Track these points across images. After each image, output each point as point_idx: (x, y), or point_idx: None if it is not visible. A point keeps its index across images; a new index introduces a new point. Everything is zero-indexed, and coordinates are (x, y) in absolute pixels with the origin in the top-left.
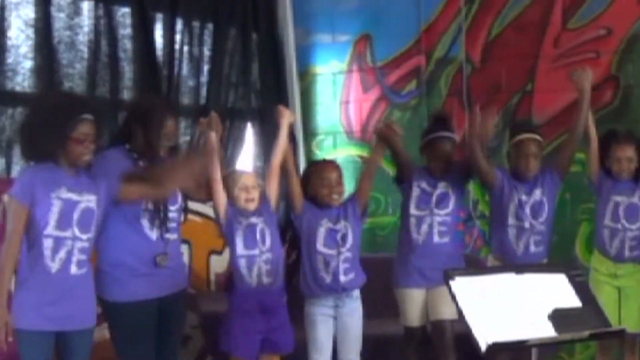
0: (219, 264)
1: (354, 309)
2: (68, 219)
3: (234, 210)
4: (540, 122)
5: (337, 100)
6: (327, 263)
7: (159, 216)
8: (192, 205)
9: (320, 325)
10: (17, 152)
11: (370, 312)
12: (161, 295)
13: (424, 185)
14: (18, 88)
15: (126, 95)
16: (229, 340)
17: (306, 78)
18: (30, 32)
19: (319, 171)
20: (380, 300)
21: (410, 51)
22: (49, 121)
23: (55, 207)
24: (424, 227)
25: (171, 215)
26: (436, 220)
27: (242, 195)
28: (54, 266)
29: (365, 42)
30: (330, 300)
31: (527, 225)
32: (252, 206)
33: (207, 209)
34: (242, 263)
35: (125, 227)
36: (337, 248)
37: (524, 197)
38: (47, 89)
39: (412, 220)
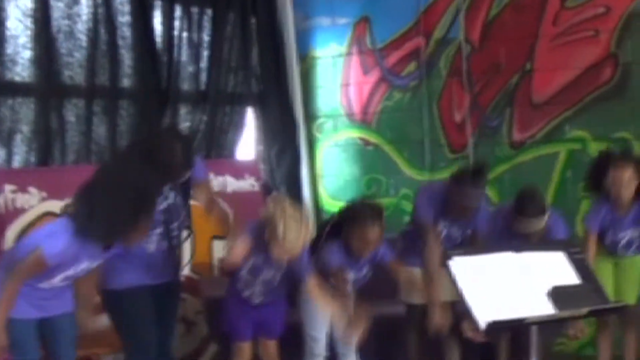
0: (221, 249)
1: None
2: (71, 277)
3: (262, 259)
4: (540, 101)
5: (337, 83)
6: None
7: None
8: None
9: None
10: (17, 142)
11: (372, 292)
12: (155, 283)
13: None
14: (17, 78)
15: (126, 83)
16: (226, 322)
17: (306, 62)
18: (29, 22)
19: (363, 226)
20: (381, 280)
21: (409, 33)
22: (127, 212)
23: (70, 272)
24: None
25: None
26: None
27: (279, 251)
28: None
29: (364, 25)
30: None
31: None
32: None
33: None
34: (241, 284)
35: None
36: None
37: None
38: (47, 78)
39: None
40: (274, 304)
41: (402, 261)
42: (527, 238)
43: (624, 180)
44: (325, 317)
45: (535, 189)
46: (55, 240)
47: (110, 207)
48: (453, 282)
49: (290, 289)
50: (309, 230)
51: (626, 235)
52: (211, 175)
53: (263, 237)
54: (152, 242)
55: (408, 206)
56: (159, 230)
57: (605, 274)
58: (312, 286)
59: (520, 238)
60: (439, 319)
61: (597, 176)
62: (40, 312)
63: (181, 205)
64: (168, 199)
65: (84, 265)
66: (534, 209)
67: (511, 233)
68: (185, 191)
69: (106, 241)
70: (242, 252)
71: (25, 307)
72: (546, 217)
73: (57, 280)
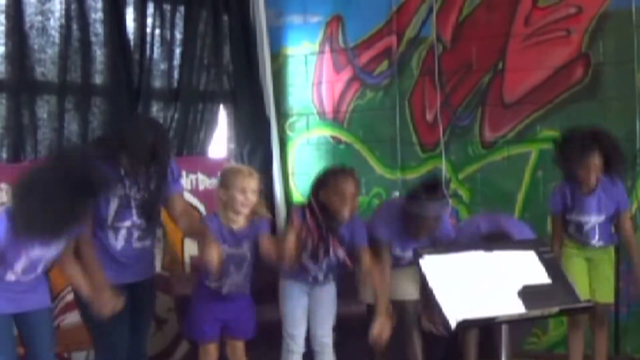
0: (193, 247)
1: (328, 286)
2: (30, 267)
3: (223, 231)
4: (512, 100)
5: (309, 81)
6: (307, 271)
7: (123, 231)
8: None
9: (294, 300)
10: None
11: (345, 291)
12: (130, 282)
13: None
14: None
15: (98, 79)
16: (189, 324)
17: (278, 59)
18: (2, 17)
19: (337, 181)
20: (354, 279)
21: (381, 32)
22: (62, 208)
23: (23, 262)
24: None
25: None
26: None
27: (239, 197)
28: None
29: (336, 23)
30: (305, 282)
31: None
32: (245, 210)
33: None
34: (210, 276)
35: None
36: (320, 264)
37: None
38: (19, 74)
39: None
40: (240, 302)
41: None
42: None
43: (591, 164)
44: (302, 313)
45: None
46: None
47: (40, 201)
48: (423, 280)
49: (261, 285)
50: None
51: (591, 219)
52: (183, 173)
53: None
54: (120, 239)
55: None
56: (128, 222)
57: (579, 271)
58: (367, 259)
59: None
60: (379, 329)
61: (561, 154)
62: (15, 307)
63: (155, 201)
64: (141, 192)
65: (37, 252)
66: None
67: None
68: (158, 187)
69: (38, 236)
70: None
71: (1, 303)
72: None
73: (19, 270)
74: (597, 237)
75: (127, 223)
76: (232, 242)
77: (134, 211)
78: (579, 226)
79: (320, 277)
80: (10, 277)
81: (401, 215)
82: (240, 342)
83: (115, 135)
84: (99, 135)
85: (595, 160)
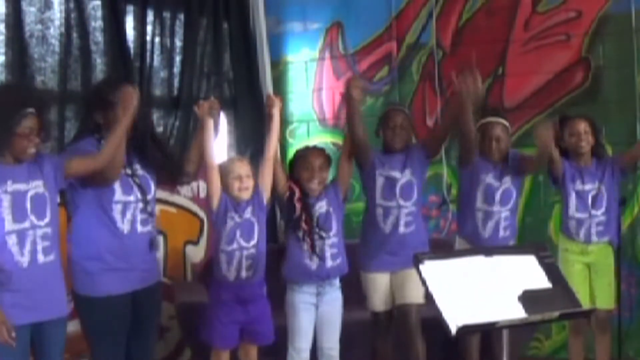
0: (194, 254)
1: (335, 298)
2: (22, 209)
3: (228, 202)
4: (512, 105)
5: (310, 88)
6: (313, 247)
7: (131, 208)
8: (169, 197)
9: (302, 313)
10: None
11: (349, 298)
12: (135, 289)
13: (386, 173)
14: None
15: None
16: (208, 330)
17: (278, 67)
18: (1, 26)
19: (304, 156)
20: (359, 286)
21: (381, 38)
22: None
23: (6, 202)
24: (391, 219)
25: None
26: (403, 212)
27: (235, 184)
28: (24, 260)
29: (336, 30)
30: (312, 287)
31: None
32: (246, 195)
33: (182, 200)
34: (223, 258)
35: (96, 221)
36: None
37: (494, 182)
38: (19, 83)
39: (379, 211)
40: (259, 304)
41: (362, 268)
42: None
43: (580, 130)
44: (309, 327)
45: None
46: None
47: None
48: (424, 286)
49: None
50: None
51: (593, 189)
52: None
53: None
54: (127, 223)
55: None
56: (132, 197)
57: (580, 279)
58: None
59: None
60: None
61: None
62: (32, 317)
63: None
64: (136, 173)
65: (11, 187)
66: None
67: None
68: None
69: None
70: None
71: (17, 312)
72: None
73: (9, 220)
74: (600, 209)
75: (131, 197)
76: (238, 208)
77: (133, 185)
78: (582, 197)
79: (327, 251)
80: (10, 238)
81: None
82: (255, 346)
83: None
84: None
85: (583, 125)
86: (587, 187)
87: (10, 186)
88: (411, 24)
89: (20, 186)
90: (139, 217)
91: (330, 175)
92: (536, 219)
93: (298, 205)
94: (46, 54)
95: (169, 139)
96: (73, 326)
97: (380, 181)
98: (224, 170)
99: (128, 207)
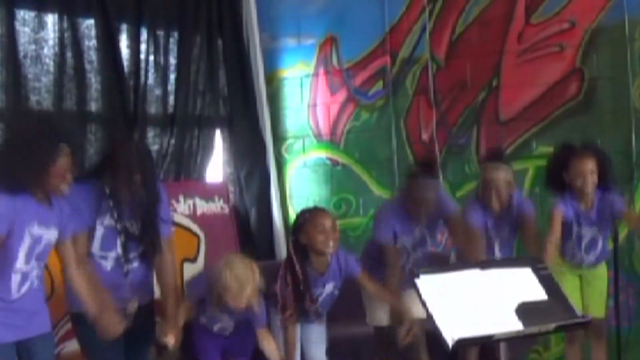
0: (192, 271)
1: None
2: (32, 252)
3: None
4: (507, 117)
5: (305, 103)
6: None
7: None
8: None
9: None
10: None
11: (344, 313)
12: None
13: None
14: None
15: (93, 107)
16: (195, 349)
17: (273, 82)
18: None
19: (314, 218)
20: (354, 301)
21: (375, 52)
22: (30, 152)
23: (26, 243)
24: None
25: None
26: (413, 258)
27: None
28: (17, 296)
29: (330, 44)
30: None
31: None
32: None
33: (180, 218)
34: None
35: None
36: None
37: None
38: (14, 103)
39: None
40: (241, 325)
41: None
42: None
43: (587, 171)
44: (297, 341)
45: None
46: None
47: (9, 149)
48: (420, 300)
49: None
50: (256, 279)
51: (588, 233)
52: (181, 198)
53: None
54: (110, 261)
55: None
56: (114, 254)
57: (571, 287)
58: (369, 284)
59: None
60: (405, 335)
61: (557, 171)
62: (18, 334)
63: (142, 236)
64: (128, 228)
65: (36, 231)
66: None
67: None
68: (151, 225)
69: (16, 186)
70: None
71: (1, 331)
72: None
73: (21, 260)
74: (593, 253)
75: (112, 254)
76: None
77: (118, 242)
78: (579, 240)
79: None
80: (15, 277)
81: (401, 200)
82: None
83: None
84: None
85: (590, 165)
86: (584, 231)
87: (35, 229)
88: (405, 37)
89: (42, 231)
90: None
91: None
92: None
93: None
94: (40, 73)
95: (165, 157)
96: (73, 345)
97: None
98: (222, 294)
99: (107, 258)
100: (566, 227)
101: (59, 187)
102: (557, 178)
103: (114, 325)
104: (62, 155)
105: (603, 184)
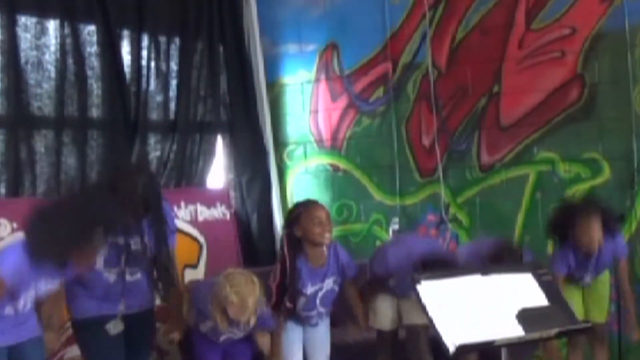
0: (194, 277)
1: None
2: (31, 299)
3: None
4: (509, 123)
5: (306, 109)
6: (306, 319)
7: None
8: None
9: (290, 332)
10: None
11: (344, 318)
12: (126, 313)
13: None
14: None
15: (95, 113)
16: (196, 353)
17: (274, 89)
18: None
19: (309, 211)
20: (350, 307)
21: (376, 58)
22: (64, 233)
23: (31, 292)
24: None
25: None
26: None
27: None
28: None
29: (331, 51)
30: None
31: None
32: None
33: (181, 224)
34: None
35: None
36: (317, 309)
37: None
38: (15, 109)
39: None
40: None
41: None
42: None
43: (594, 230)
44: (298, 344)
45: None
46: (7, 257)
47: (54, 225)
48: (421, 306)
49: None
50: (257, 293)
51: (589, 276)
52: (182, 204)
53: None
54: (113, 275)
55: (379, 232)
56: (117, 269)
57: (573, 293)
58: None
59: None
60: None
61: (561, 224)
62: (10, 339)
63: (146, 252)
64: (132, 244)
65: (43, 285)
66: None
67: None
68: (157, 238)
69: (50, 259)
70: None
71: None
72: None
73: (22, 303)
74: (592, 276)
75: (116, 269)
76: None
77: (122, 261)
78: (580, 279)
79: (318, 320)
80: (10, 311)
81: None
82: None
83: (106, 179)
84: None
85: (597, 225)
86: (585, 275)
87: (42, 285)
88: (406, 44)
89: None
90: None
91: None
92: (534, 236)
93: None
94: (42, 80)
95: (166, 163)
96: (74, 351)
97: None
98: (216, 297)
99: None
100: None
101: (81, 264)
102: (561, 230)
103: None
104: (96, 237)
105: (608, 233)
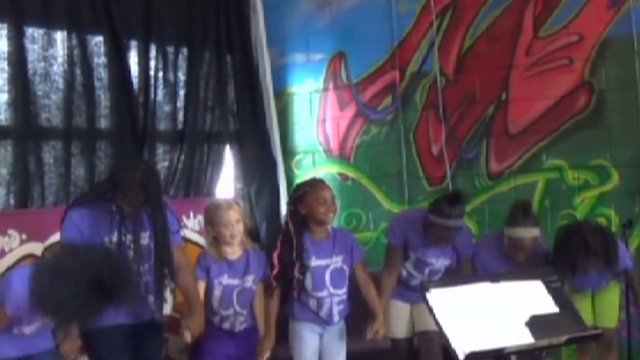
0: (202, 287)
1: (339, 327)
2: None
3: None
4: (516, 131)
5: (314, 118)
6: (319, 305)
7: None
8: None
9: (307, 342)
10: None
11: (357, 326)
12: (135, 322)
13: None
14: None
15: (103, 123)
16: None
17: (282, 98)
18: (5, 64)
19: (315, 190)
20: (367, 314)
21: (384, 67)
22: (73, 307)
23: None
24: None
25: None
26: (430, 269)
27: (224, 230)
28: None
29: (339, 60)
30: (316, 323)
31: None
32: (235, 241)
33: (190, 233)
34: (217, 320)
35: None
36: (329, 289)
37: None
38: (23, 121)
39: (406, 274)
40: (250, 338)
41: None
42: (517, 255)
43: (593, 273)
44: (314, 355)
45: (527, 202)
46: (12, 287)
47: (62, 289)
48: (431, 314)
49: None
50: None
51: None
52: (190, 215)
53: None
54: None
55: None
56: None
57: (581, 299)
58: (362, 275)
59: (509, 259)
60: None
61: (563, 249)
62: (20, 350)
63: (155, 248)
64: (141, 239)
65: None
66: (525, 219)
67: (501, 256)
68: (162, 234)
69: (51, 317)
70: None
71: (6, 347)
72: (536, 230)
73: (27, 328)
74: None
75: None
76: (231, 272)
77: (132, 256)
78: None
79: (331, 308)
80: (26, 330)
81: (422, 223)
82: None
83: (107, 177)
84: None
85: (595, 268)
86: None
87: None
88: (413, 52)
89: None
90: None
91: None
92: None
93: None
94: (50, 91)
95: (174, 173)
96: None
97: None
98: (211, 217)
99: None
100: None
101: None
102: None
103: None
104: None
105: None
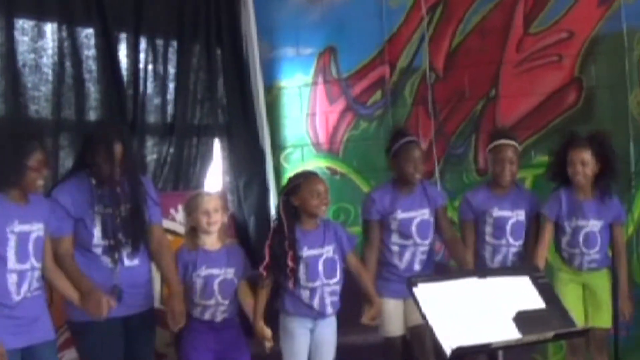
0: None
1: (330, 321)
2: (25, 250)
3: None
4: (506, 127)
5: (304, 113)
6: (312, 296)
7: (114, 245)
8: (164, 224)
9: (298, 338)
10: None
11: (349, 320)
12: (126, 315)
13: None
14: None
15: (92, 116)
16: (183, 356)
17: (272, 92)
18: None
19: (309, 183)
20: (358, 308)
21: (374, 62)
22: (7, 151)
23: (12, 242)
24: (407, 256)
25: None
26: (419, 250)
27: (203, 219)
28: (18, 298)
29: (329, 55)
30: (308, 317)
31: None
32: (213, 229)
33: (175, 225)
34: (197, 311)
35: (80, 254)
36: (320, 278)
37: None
38: (13, 112)
39: (395, 249)
40: (231, 332)
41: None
42: (502, 174)
43: (577, 161)
44: (305, 350)
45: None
46: None
47: None
48: (418, 309)
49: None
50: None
51: (586, 225)
52: (179, 208)
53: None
54: (106, 255)
55: None
56: (112, 242)
57: (574, 298)
58: (355, 263)
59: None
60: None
61: (560, 161)
62: (22, 341)
63: (132, 218)
64: (120, 212)
65: (18, 228)
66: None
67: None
68: (138, 206)
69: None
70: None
71: (5, 337)
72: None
73: (12, 259)
74: (593, 251)
75: (112, 242)
76: (210, 262)
77: (120, 229)
78: (575, 233)
79: (324, 299)
80: (11, 277)
81: (391, 184)
82: None
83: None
84: None
85: (582, 156)
86: (582, 223)
87: (17, 226)
88: (404, 47)
89: (26, 227)
90: (125, 253)
91: None
92: None
93: (291, 264)
94: (40, 82)
95: (163, 166)
96: (72, 354)
97: (395, 224)
98: (190, 207)
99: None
100: (564, 222)
101: (35, 182)
102: (560, 168)
103: (101, 304)
104: (35, 151)
105: (600, 188)
